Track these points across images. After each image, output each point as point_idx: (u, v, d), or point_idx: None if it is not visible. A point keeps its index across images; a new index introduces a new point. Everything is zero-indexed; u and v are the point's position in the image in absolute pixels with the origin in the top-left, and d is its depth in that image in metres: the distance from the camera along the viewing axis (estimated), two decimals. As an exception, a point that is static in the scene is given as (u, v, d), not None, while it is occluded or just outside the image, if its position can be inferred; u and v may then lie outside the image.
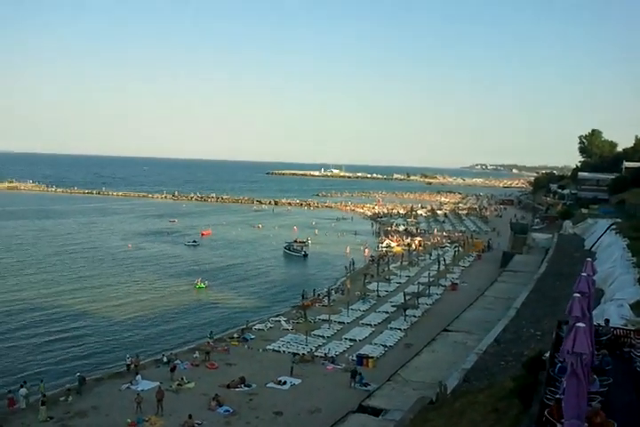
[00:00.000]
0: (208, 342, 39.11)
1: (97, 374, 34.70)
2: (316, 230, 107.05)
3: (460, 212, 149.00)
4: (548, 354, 15.68)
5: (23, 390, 29.58)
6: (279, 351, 38.79)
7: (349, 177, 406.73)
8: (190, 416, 27.40)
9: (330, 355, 37.33)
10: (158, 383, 31.71)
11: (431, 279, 58.25)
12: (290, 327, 44.05)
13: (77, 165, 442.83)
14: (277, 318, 46.93)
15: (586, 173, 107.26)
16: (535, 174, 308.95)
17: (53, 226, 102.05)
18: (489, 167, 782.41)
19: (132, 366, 34.62)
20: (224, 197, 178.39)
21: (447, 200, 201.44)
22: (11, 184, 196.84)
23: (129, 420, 27.45)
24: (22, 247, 78.67)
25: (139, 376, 32.82)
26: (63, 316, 47.10)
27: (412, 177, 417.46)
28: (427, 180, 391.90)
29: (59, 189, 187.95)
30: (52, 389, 31.76)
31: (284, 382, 32.82)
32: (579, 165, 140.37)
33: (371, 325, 45.42)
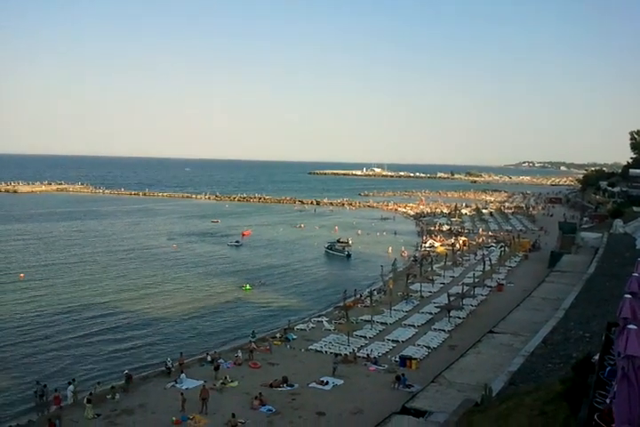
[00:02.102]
0: (250, 342, 39.36)
1: (143, 372, 35.33)
2: (359, 231, 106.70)
3: (506, 210, 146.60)
4: (597, 356, 15.16)
5: (71, 388, 30.37)
6: (321, 352, 38.73)
7: (392, 176, 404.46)
8: (234, 415, 27.61)
9: (372, 356, 37.05)
10: (202, 382, 32.06)
11: (476, 280, 57.25)
12: (332, 328, 43.95)
13: (121, 167, 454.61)
14: (319, 319, 46.92)
15: (637, 171, 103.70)
16: (584, 172, 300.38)
17: (101, 227, 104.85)
18: (536, 165, 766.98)
19: (177, 365, 35.07)
20: (266, 197, 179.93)
21: (493, 199, 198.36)
22: (60, 186, 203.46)
23: (174, 418, 27.85)
24: (71, 248, 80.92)
25: (183, 375, 33.29)
26: (110, 315, 48.20)
27: (456, 175, 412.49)
28: (472, 178, 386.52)
29: (106, 191, 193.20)
30: (98, 387, 32.50)
31: (327, 383, 32.74)
32: (630, 161, 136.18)
33: (414, 326, 44.89)
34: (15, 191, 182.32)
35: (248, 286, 59.00)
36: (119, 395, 30.48)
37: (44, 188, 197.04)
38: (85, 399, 28.75)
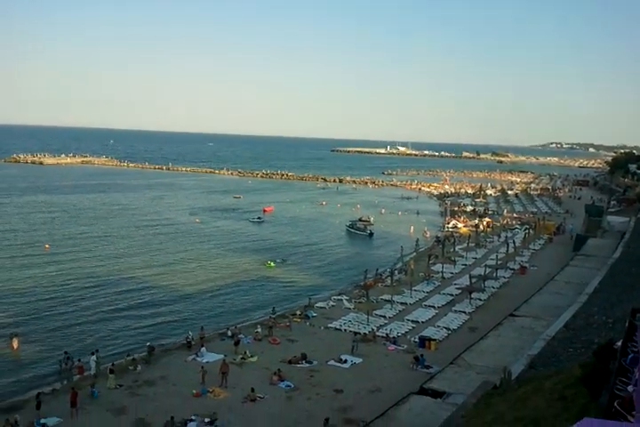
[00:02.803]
0: (270, 318, 39.66)
1: (164, 345, 35.86)
2: (383, 209, 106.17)
3: (531, 192, 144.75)
4: (619, 343, 14.90)
5: (93, 358, 30.95)
6: (340, 330, 38.89)
7: (416, 155, 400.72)
8: (253, 390, 27.97)
9: (391, 335, 37.10)
10: (222, 356, 32.49)
11: (499, 262, 56.78)
12: (351, 306, 44.04)
13: (145, 141, 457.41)
14: (339, 297, 47.02)
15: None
16: (613, 154, 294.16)
17: (125, 200, 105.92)
18: (564, 146, 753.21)
19: (198, 339, 35.50)
20: (289, 174, 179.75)
21: (519, 180, 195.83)
22: (85, 159, 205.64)
23: (194, 390, 28.29)
24: (95, 221, 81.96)
25: (204, 349, 33.73)
26: (133, 288, 48.85)
27: (481, 155, 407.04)
28: (497, 158, 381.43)
29: (130, 164, 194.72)
30: (120, 358, 33.14)
31: (345, 361, 32.91)
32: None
33: (434, 307, 44.77)
34: (41, 163, 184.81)
35: (272, 264, 59.21)
36: (141, 366, 31.02)
37: (69, 160, 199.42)
38: (108, 370, 29.34)
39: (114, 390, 28.22)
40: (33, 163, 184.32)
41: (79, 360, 31.18)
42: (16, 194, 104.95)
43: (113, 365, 30.27)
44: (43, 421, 23.97)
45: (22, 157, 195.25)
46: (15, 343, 33.81)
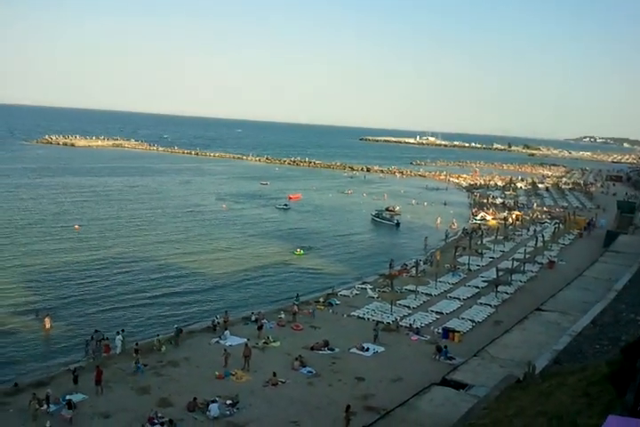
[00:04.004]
0: (294, 305, 39.79)
1: (189, 327, 36.27)
2: (414, 200, 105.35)
3: (563, 186, 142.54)
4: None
5: (119, 337, 31.49)
6: (363, 318, 38.84)
7: (446, 145, 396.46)
8: (275, 374, 28.16)
9: (415, 326, 36.93)
10: (245, 340, 32.75)
11: (527, 256, 56.04)
12: (375, 296, 43.92)
13: (174, 126, 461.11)
14: (363, 286, 46.93)
15: None
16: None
17: (154, 184, 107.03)
18: (598, 140, 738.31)
19: (222, 322, 35.84)
20: (316, 161, 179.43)
21: (550, 173, 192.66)
22: (116, 142, 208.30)
23: (217, 372, 28.63)
24: (124, 203, 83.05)
25: (227, 332, 34.05)
26: (159, 271, 49.44)
27: (513, 147, 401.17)
28: (529, 151, 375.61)
29: (160, 148, 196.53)
30: (145, 338, 33.71)
31: (367, 349, 32.89)
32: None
33: (459, 298, 44.39)
34: (73, 145, 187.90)
35: (301, 251, 59.25)
36: (165, 347, 31.44)
37: (100, 142, 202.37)
38: (133, 349, 29.79)
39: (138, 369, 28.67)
40: (65, 144, 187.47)
41: (106, 339, 31.74)
42: (47, 175, 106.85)
43: (137, 344, 30.75)
44: (68, 397, 24.46)
45: (54, 138, 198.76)
46: (47, 323, 34.48)
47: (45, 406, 23.70)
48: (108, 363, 29.19)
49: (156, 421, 23.05)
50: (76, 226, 63.62)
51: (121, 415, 23.87)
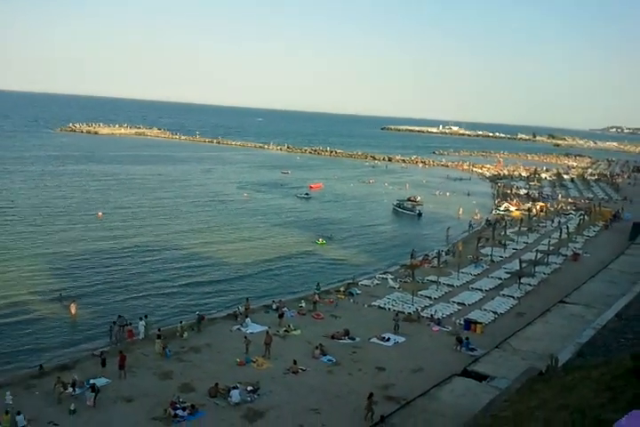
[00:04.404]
0: (315, 294, 39.84)
1: (210, 314, 36.53)
2: (438, 191, 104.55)
3: (588, 177, 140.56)
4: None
5: (142, 323, 31.87)
6: (384, 308, 38.75)
7: (469, 135, 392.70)
8: (295, 362, 28.29)
9: (436, 316, 36.75)
10: (266, 328, 32.93)
11: (551, 248, 55.43)
12: (396, 286, 43.76)
13: (196, 114, 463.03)
14: (384, 276, 46.79)
15: None
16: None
17: (175, 172, 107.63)
18: (625, 131, 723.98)
19: (243, 310, 36.06)
20: (337, 151, 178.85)
21: (575, 164, 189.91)
22: (138, 130, 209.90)
23: (238, 359, 28.85)
24: (146, 191, 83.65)
25: (248, 319, 34.27)
26: (181, 259, 49.80)
27: (538, 138, 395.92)
28: (554, 141, 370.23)
29: (182, 137, 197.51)
30: (168, 324, 34.11)
31: (388, 339, 32.84)
32: None
33: (481, 290, 44.04)
34: (96, 133, 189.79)
35: (323, 241, 59.13)
36: (187, 333, 31.75)
37: (123, 131, 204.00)
38: (155, 335, 30.14)
39: (160, 354, 28.99)
40: (88, 132, 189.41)
41: (130, 324, 32.15)
42: (71, 163, 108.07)
43: (160, 330, 31.08)
44: (92, 381, 24.85)
45: (78, 126, 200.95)
46: (73, 308, 34.98)
47: (71, 390, 24.10)
48: (131, 348, 29.59)
49: (178, 406, 23.31)
50: (99, 213, 64.35)
51: (143, 400, 24.20)
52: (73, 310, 34.88)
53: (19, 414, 21.47)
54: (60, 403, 23.35)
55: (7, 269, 42.62)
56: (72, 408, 22.69)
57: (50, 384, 24.41)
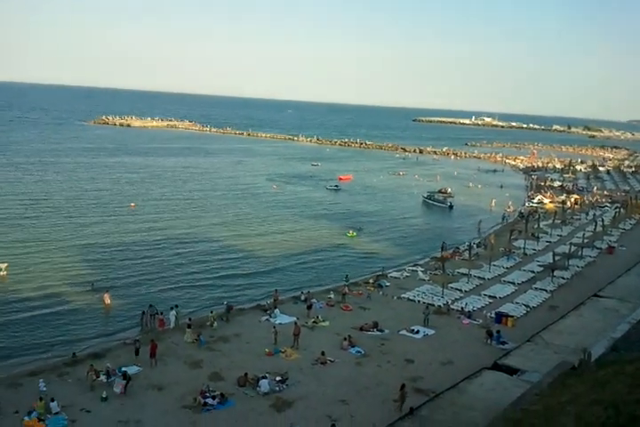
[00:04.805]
0: (344, 286, 39.78)
1: (240, 304, 36.77)
2: (471, 183, 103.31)
3: (625, 169, 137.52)
4: None
5: (173, 312, 32.27)
6: (414, 301, 38.48)
7: (502, 126, 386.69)
8: (323, 353, 28.32)
9: (467, 309, 36.33)
10: (295, 319, 33.00)
11: (585, 240, 54.35)
12: (426, 278, 43.40)
13: (226, 107, 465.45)
14: (414, 268, 46.45)
15: None
16: None
17: (206, 164, 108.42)
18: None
19: (272, 301, 36.24)
20: (367, 143, 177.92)
21: (611, 156, 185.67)
22: (170, 122, 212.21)
23: (267, 349, 29.02)
24: (178, 183, 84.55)
25: (277, 310, 34.41)
26: (211, 249, 50.17)
27: (573, 129, 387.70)
28: (590, 133, 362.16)
29: (213, 129, 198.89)
30: (198, 314, 34.46)
31: (417, 332, 32.61)
32: None
33: (514, 283, 43.39)
34: (129, 125, 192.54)
35: (354, 233, 58.92)
36: (217, 323, 32.03)
37: (154, 123, 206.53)
38: (186, 325, 30.49)
39: (190, 344, 29.37)
40: (121, 125, 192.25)
41: (161, 313, 32.58)
42: (104, 155, 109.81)
43: (190, 320, 31.44)
44: (124, 369, 25.29)
45: (111, 118, 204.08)
46: (107, 299, 35.57)
47: (104, 377, 24.55)
48: (162, 337, 30.00)
49: (207, 394, 23.58)
50: (132, 204, 65.30)
51: (174, 388, 24.52)
52: (107, 301, 35.42)
53: (52, 400, 21.98)
54: (92, 390, 23.82)
55: (42, 260, 43.50)
56: (104, 396, 23.13)
57: (82, 372, 24.94)
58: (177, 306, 33.45)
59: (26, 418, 21.28)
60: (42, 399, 21.99)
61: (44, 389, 23.27)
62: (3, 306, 34.16)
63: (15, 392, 23.59)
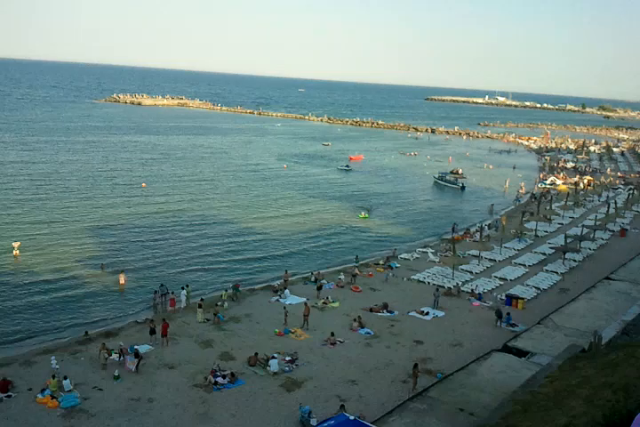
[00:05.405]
0: (354, 267, 39.77)
1: (250, 285, 36.92)
2: (486, 164, 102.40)
3: (639, 150, 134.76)
4: None
5: (184, 292, 32.48)
6: (424, 282, 38.45)
7: (516, 106, 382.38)
8: (333, 334, 28.47)
9: (477, 291, 36.25)
10: (305, 299, 33.15)
11: (598, 223, 53.77)
12: (436, 260, 43.29)
13: (237, 85, 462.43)
14: (424, 250, 46.33)
15: None
16: None
17: (216, 143, 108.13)
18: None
19: (282, 281, 36.34)
20: (379, 122, 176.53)
21: (626, 137, 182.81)
22: (180, 101, 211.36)
23: (277, 329, 29.20)
24: (188, 162, 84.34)
25: (287, 291, 34.53)
26: (222, 230, 50.23)
27: (587, 109, 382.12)
28: (605, 113, 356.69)
29: (224, 108, 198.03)
30: (208, 294, 34.70)
31: (427, 313, 32.63)
32: None
33: (524, 265, 43.21)
34: (139, 103, 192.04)
35: (366, 215, 58.65)
36: (227, 303, 32.22)
37: (165, 102, 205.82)
38: (197, 304, 30.70)
39: (201, 323, 29.60)
40: (132, 103, 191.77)
41: (172, 293, 32.79)
42: (115, 133, 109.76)
43: (202, 300, 31.64)
44: (135, 347, 25.55)
45: (122, 97, 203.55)
46: (122, 279, 35.83)
47: (117, 356, 24.83)
48: (173, 316, 30.26)
49: (218, 373, 23.81)
50: (143, 184, 65.38)
51: (185, 367, 24.79)
52: (122, 281, 35.64)
53: (65, 378, 22.31)
54: (104, 369, 24.13)
55: (54, 240, 43.73)
56: (116, 374, 23.43)
57: (95, 351, 25.25)
58: (187, 286, 33.65)
59: (39, 395, 21.65)
60: (55, 377, 22.31)
61: (56, 366, 23.62)
62: (16, 286, 34.51)
63: (29, 370, 23.97)
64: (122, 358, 24.77)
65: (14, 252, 39.25)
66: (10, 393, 21.83)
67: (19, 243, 40.11)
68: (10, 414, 20.71)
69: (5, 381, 22.09)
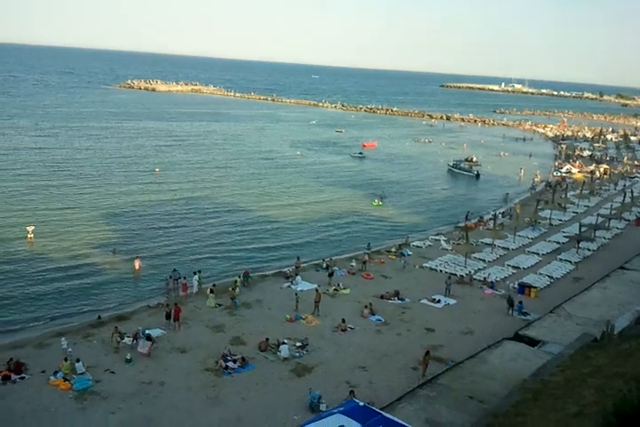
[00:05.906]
0: (365, 254, 39.68)
1: (261, 271, 37.00)
2: (502, 152, 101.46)
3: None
4: None
5: (196, 277, 32.63)
6: (436, 270, 38.30)
7: (532, 93, 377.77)
8: (343, 320, 28.51)
9: (489, 280, 36.06)
10: (316, 286, 33.19)
11: (613, 212, 53.17)
12: (449, 248, 43.07)
13: (251, 71, 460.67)
14: (437, 237, 46.13)
15: None
16: None
17: (229, 130, 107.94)
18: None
19: (293, 268, 36.36)
20: (393, 109, 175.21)
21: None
22: (194, 87, 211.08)
23: (287, 316, 29.29)
24: (201, 149, 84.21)
25: (298, 277, 34.57)
26: (235, 217, 50.23)
27: (605, 97, 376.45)
28: (623, 101, 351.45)
29: (237, 94, 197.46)
30: (220, 279, 34.87)
31: (438, 301, 32.55)
32: None
33: (538, 254, 42.90)
34: (154, 89, 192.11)
35: (380, 202, 58.43)
36: (239, 289, 32.34)
37: (179, 88, 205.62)
38: (209, 290, 30.85)
39: (213, 308, 29.76)
40: (146, 89, 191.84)
41: (184, 278, 32.96)
42: (129, 119, 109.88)
43: (214, 285, 31.77)
44: (147, 331, 25.75)
45: (136, 83, 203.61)
46: (137, 264, 36.04)
47: (129, 340, 25.07)
48: (185, 301, 30.46)
49: (229, 358, 23.96)
50: (157, 169, 65.54)
51: (196, 351, 24.96)
52: (137, 266, 35.86)
53: (78, 361, 22.56)
54: (116, 352, 24.37)
55: (68, 225, 43.98)
56: (128, 357, 23.66)
57: (107, 334, 25.47)
58: (200, 271, 33.77)
59: (52, 378, 21.93)
60: (67, 360, 22.58)
61: (67, 347, 23.99)
62: (30, 270, 34.77)
63: (42, 352, 24.27)
64: (134, 341, 24.99)
65: (28, 236, 39.60)
66: (23, 375, 22.13)
67: (33, 227, 40.40)
68: (23, 395, 21.01)
69: (19, 363, 22.39)
